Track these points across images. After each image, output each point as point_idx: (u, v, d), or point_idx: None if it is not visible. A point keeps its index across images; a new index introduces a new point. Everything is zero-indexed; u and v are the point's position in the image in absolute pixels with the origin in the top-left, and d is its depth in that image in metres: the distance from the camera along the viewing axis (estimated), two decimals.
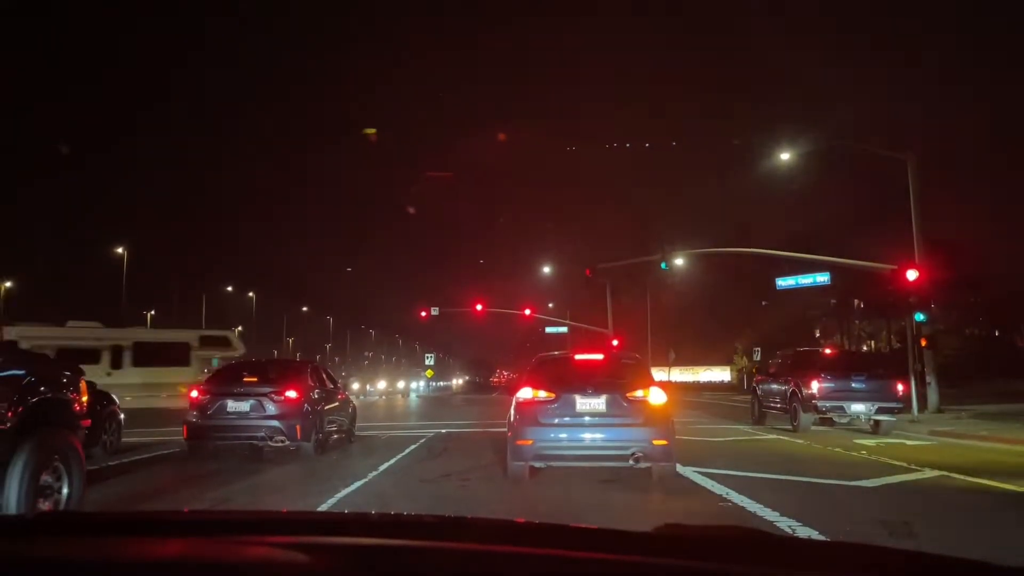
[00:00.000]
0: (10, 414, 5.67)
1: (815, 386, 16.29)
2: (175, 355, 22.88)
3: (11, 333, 20.95)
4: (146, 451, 12.88)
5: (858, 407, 16.09)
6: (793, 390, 16.88)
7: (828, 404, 16.27)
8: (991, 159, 57.60)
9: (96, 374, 17.58)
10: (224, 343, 24.22)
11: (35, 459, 5.79)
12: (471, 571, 1.34)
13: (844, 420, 16.80)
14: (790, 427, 16.96)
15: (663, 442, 8.62)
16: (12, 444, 5.63)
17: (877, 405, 15.95)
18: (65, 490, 6.25)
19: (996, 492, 8.81)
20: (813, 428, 16.80)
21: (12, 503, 5.57)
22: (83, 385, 6.92)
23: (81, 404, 6.76)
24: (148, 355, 22.78)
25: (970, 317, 47.13)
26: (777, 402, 18.05)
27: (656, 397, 8.98)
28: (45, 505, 5.96)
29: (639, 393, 8.97)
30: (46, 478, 6.01)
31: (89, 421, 7.02)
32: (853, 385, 16.29)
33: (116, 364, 22.33)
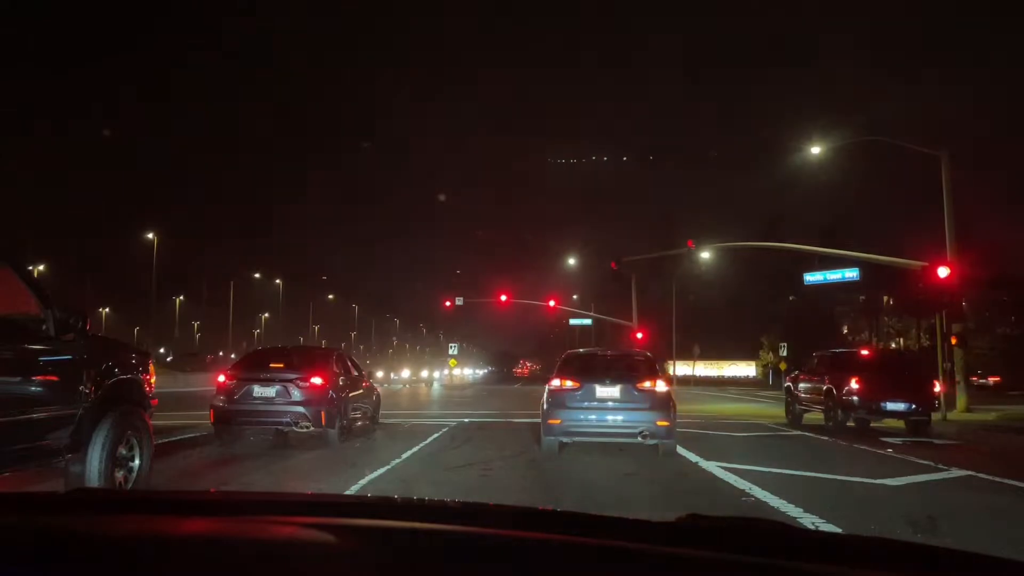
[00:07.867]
0: (94, 394, 6.23)
1: (853, 385, 16.37)
2: None
3: None
4: (175, 434, 12.99)
5: (895, 406, 16.26)
6: (829, 388, 16.94)
7: (864, 404, 16.33)
8: None
9: None
10: None
11: (114, 433, 6.35)
12: (494, 555, 1.34)
13: (880, 421, 17.15)
14: (819, 424, 17.14)
15: (666, 423, 10.53)
16: (95, 420, 6.20)
17: (912, 406, 16.17)
18: (137, 461, 6.81)
19: None
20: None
21: (94, 471, 6.09)
22: (152, 367, 7.48)
23: (151, 384, 7.32)
24: None
25: (1001, 316, 46.36)
26: (813, 401, 18.12)
27: (661, 387, 10.91)
28: (120, 474, 6.50)
29: (647, 384, 10.88)
30: (122, 450, 6.57)
31: (157, 400, 7.46)
32: (889, 386, 16.44)
33: None
